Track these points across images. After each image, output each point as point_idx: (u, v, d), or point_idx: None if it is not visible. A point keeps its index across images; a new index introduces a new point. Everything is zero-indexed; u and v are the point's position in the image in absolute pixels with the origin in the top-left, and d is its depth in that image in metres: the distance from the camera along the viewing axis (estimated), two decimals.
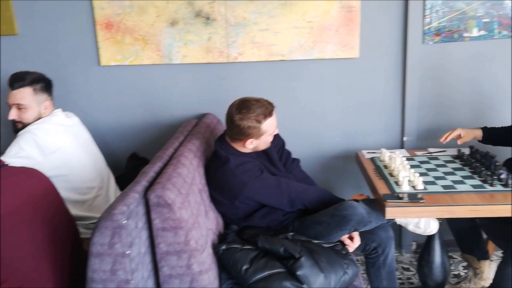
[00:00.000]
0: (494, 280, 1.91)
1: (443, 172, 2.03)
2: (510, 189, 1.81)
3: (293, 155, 2.17)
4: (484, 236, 2.21)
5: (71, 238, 1.72)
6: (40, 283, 1.50)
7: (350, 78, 2.48)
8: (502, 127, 2.14)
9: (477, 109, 2.51)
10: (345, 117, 2.54)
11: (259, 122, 1.80)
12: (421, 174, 1.96)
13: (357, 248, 1.89)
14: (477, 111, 2.51)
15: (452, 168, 2.08)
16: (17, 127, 2.05)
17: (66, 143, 2.06)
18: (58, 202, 1.70)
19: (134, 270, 1.36)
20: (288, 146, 2.15)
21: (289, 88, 2.50)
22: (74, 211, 1.98)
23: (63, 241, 1.64)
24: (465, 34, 2.39)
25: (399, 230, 2.61)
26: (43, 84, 2.09)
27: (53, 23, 2.43)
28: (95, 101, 2.54)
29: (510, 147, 2.17)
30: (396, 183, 1.92)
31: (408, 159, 2.18)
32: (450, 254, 2.53)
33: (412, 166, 2.07)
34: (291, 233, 1.82)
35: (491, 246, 2.28)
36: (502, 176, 1.86)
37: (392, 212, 1.75)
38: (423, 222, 1.93)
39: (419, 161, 2.19)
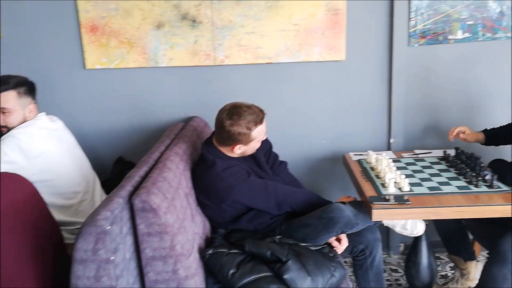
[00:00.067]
0: (480, 280, 1.92)
1: (429, 174, 2.04)
2: (494, 190, 1.83)
3: (281, 158, 2.17)
4: (470, 237, 2.22)
5: (55, 243, 1.69)
6: None
7: (337, 81, 2.49)
8: (501, 126, 2.16)
9: (464, 110, 2.53)
10: (332, 119, 2.54)
11: (250, 129, 1.80)
12: (407, 176, 1.97)
13: (344, 250, 1.89)
14: (464, 112, 2.54)
15: (438, 169, 2.10)
16: (1, 132, 2.02)
17: (50, 147, 2.03)
18: (41, 206, 1.68)
19: (119, 276, 1.34)
20: (275, 149, 2.15)
21: (276, 91, 2.50)
22: (59, 216, 1.95)
23: (46, 246, 1.62)
24: (450, 37, 2.41)
25: (386, 231, 2.62)
26: (27, 87, 2.06)
27: (38, 26, 2.40)
28: (81, 105, 2.51)
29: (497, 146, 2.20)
30: (383, 185, 1.92)
31: (394, 161, 2.19)
32: (437, 255, 2.55)
33: (398, 168, 2.08)
34: (279, 236, 1.82)
35: (477, 246, 2.30)
36: (487, 177, 1.88)
37: (379, 214, 1.76)
38: (410, 224, 1.94)
39: (405, 163, 2.21)
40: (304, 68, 2.46)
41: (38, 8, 2.37)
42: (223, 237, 1.88)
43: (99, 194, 2.23)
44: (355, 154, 2.36)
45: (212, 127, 2.34)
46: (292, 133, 2.55)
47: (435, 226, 2.21)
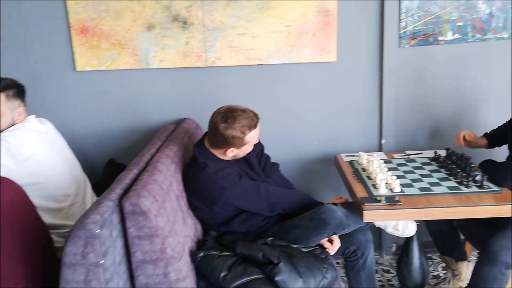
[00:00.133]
0: (470, 280, 1.93)
1: (420, 174, 2.05)
2: (485, 190, 1.84)
3: (273, 159, 2.17)
4: (462, 237, 2.23)
5: (44, 247, 1.68)
6: None
7: (328, 82, 2.49)
8: (499, 127, 2.17)
9: (454, 110, 2.55)
10: (324, 120, 2.55)
11: (244, 133, 1.80)
12: (399, 177, 1.98)
13: (336, 251, 1.90)
14: (454, 113, 2.55)
15: (428, 170, 2.10)
16: None
17: (40, 149, 2.01)
18: (30, 209, 1.67)
19: (109, 279, 1.33)
20: (267, 150, 2.15)
21: (268, 93, 2.50)
22: (49, 219, 1.94)
23: (35, 250, 1.61)
24: (440, 38, 2.42)
25: (379, 232, 2.62)
26: (16, 90, 2.04)
27: (27, 28, 2.38)
28: (71, 107, 2.49)
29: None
30: (374, 186, 1.93)
31: (386, 162, 2.19)
32: (429, 255, 2.56)
33: (389, 169, 2.09)
34: (270, 238, 1.82)
35: (468, 247, 2.31)
36: (477, 178, 1.89)
37: (370, 215, 1.76)
38: (401, 225, 1.95)
39: (396, 164, 2.21)
40: (295, 69, 2.46)
41: (27, 9, 2.35)
42: (215, 240, 1.87)
43: (90, 196, 2.21)
44: (346, 155, 2.36)
45: (204, 128, 2.34)
46: (284, 134, 2.55)
47: (427, 227, 2.22)
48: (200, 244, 1.82)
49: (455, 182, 1.93)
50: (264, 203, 1.87)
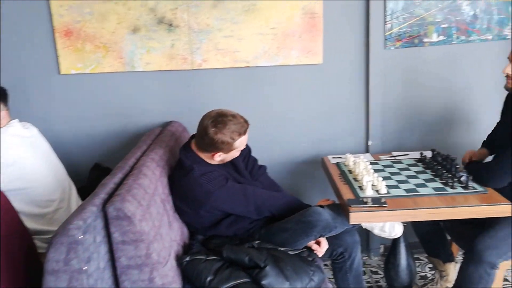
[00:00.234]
0: (456, 280, 1.94)
1: (406, 176, 2.06)
2: (470, 191, 1.85)
3: (260, 161, 2.16)
4: (449, 238, 2.25)
5: (27, 252, 1.66)
6: None
7: (315, 84, 2.49)
8: (491, 131, 2.17)
9: (440, 112, 2.57)
10: (311, 122, 2.55)
11: (233, 139, 1.79)
12: (385, 178, 1.99)
13: (324, 254, 1.89)
14: (440, 114, 2.57)
15: (414, 171, 2.11)
16: None
17: (23, 154, 1.98)
18: (12, 215, 1.64)
19: (93, 286, 1.31)
20: (254, 153, 2.14)
21: (254, 95, 2.49)
22: (33, 225, 1.92)
23: (18, 255, 1.59)
24: (425, 40, 2.44)
25: (367, 233, 2.63)
26: None
27: (10, 31, 2.35)
28: (56, 111, 2.46)
29: None
30: (360, 187, 1.93)
31: (372, 163, 2.20)
32: (416, 256, 2.58)
33: (376, 170, 2.10)
34: (257, 241, 1.81)
35: (455, 247, 2.32)
36: (462, 179, 1.90)
37: (357, 217, 1.77)
38: (388, 226, 1.95)
39: (383, 165, 2.22)
40: (282, 71, 2.46)
41: (10, 12, 2.32)
42: (202, 243, 1.86)
43: (75, 201, 2.18)
44: (333, 157, 2.37)
45: (190, 131, 2.33)
46: (271, 136, 2.55)
47: (413, 228, 2.23)
48: (187, 248, 1.81)
49: (441, 183, 1.95)
50: (251, 206, 1.86)
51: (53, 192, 2.07)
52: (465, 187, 1.88)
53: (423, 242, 2.26)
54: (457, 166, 2.01)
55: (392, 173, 2.10)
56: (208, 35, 2.37)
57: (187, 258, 1.64)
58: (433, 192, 1.87)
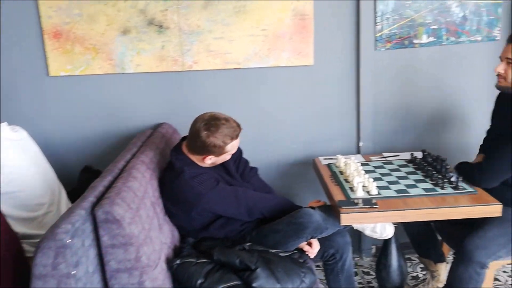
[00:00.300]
0: (447, 281, 1.95)
1: (396, 177, 2.07)
2: (460, 191, 1.86)
3: (252, 163, 2.16)
4: (440, 238, 2.26)
5: (16, 257, 1.64)
6: None
7: (306, 85, 2.49)
8: (486, 136, 2.17)
9: (431, 112, 2.58)
10: (302, 123, 2.55)
11: (225, 143, 1.79)
12: (376, 179, 1.99)
13: (315, 255, 1.89)
14: (431, 115, 2.58)
15: (405, 172, 2.12)
16: None
17: (12, 158, 1.96)
18: None
19: None
20: (245, 154, 2.14)
21: (245, 96, 2.49)
22: (22, 229, 1.89)
23: (6, 259, 1.57)
24: (415, 41, 2.45)
25: (358, 234, 2.63)
26: None
27: None
28: (45, 113, 2.44)
29: None
30: (351, 189, 1.93)
31: (363, 164, 2.21)
32: (408, 256, 2.58)
33: (367, 171, 2.10)
34: (248, 244, 1.81)
35: (446, 248, 2.33)
36: (453, 179, 1.91)
37: (347, 218, 1.77)
38: (379, 227, 1.96)
39: (374, 166, 2.22)
40: (273, 73, 2.46)
41: None
42: (193, 246, 1.85)
43: (65, 204, 2.16)
44: (324, 159, 2.37)
45: (181, 133, 2.32)
46: (263, 138, 2.54)
47: (405, 228, 2.24)
48: (177, 251, 1.80)
49: (431, 183, 1.95)
50: (243, 208, 1.86)
51: (42, 195, 2.05)
52: (455, 187, 1.89)
53: (414, 242, 2.27)
54: (447, 167, 2.02)
55: (383, 174, 2.11)
56: (199, 37, 2.36)
57: (178, 261, 1.63)
58: (424, 192, 1.88)
